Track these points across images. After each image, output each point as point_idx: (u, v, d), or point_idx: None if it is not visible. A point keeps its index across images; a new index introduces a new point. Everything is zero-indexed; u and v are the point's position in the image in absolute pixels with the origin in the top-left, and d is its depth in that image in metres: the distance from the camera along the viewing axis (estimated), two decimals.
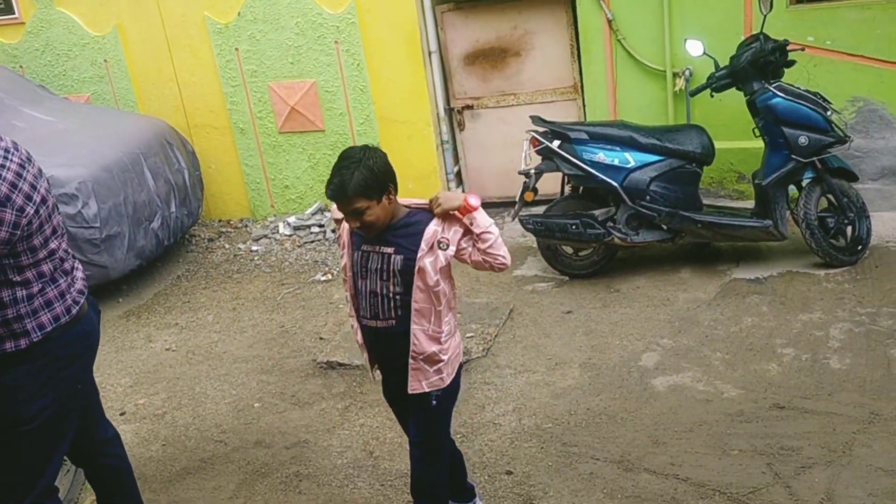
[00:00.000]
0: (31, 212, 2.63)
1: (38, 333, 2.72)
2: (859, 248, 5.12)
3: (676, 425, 3.85)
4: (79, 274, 2.96)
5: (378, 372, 3.14)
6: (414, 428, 3.05)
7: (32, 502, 2.86)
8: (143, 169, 6.22)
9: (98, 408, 3.26)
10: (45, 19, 7.28)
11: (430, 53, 6.65)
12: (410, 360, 2.88)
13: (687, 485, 3.44)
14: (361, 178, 2.68)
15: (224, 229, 7.30)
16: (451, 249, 2.81)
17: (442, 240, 2.80)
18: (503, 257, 2.82)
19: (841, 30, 5.63)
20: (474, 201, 2.79)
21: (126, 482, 3.30)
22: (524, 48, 6.63)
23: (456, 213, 2.79)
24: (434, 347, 2.88)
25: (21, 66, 7.45)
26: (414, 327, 2.84)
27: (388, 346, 2.95)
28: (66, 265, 2.86)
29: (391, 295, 2.84)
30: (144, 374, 5.06)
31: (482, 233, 2.79)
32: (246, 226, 7.29)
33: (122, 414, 4.63)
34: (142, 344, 5.47)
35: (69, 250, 2.93)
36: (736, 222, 5.17)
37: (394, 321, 2.87)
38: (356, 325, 3.07)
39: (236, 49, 6.90)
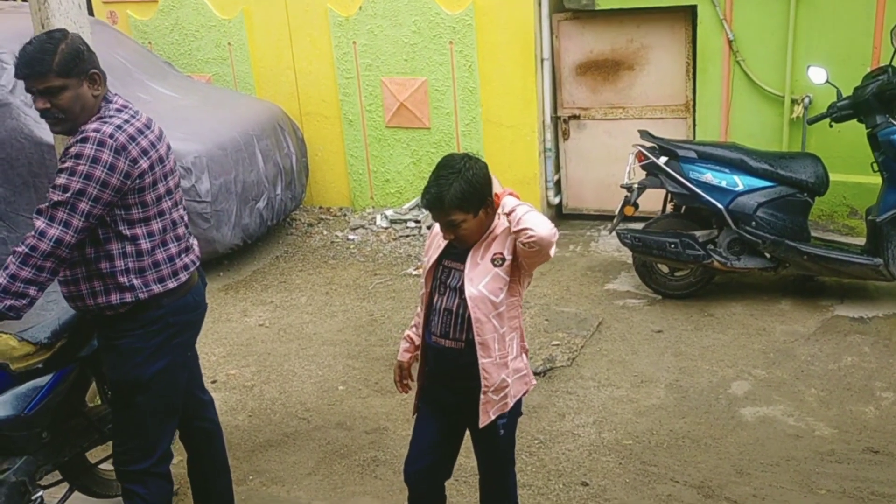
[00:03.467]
0: (145, 166, 2.76)
1: (144, 291, 2.83)
2: None
3: (762, 457, 3.75)
4: (194, 246, 3.09)
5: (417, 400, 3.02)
6: (483, 460, 2.97)
7: (155, 465, 3.00)
8: (254, 150, 6.44)
9: (199, 373, 3.41)
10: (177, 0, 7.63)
11: (542, 60, 6.67)
12: (482, 396, 2.75)
13: None
14: (459, 189, 2.59)
15: (324, 216, 7.49)
16: (509, 258, 2.67)
17: (496, 256, 2.68)
18: (531, 229, 2.53)
19: None
20: (506, 195, 2.65)
21: (217, 445, 3.43)
22: (638, 62, 6.56)
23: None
24: (503, 374, 2.76)
25: (150, 43, 7.82)
26: (483, 361, 2.71)
27: (451, 368, 2.82)
28: (180, 231, 2.98)
29: (467, 315, 2.71)
30: (237, 346, 5.25)
31: (509, 212, 2.60)
32: (345, 214, 7.46)
33: (213, 382, 4.81)
34: (237, 317, 5.67)
35: (186, 222, 3.05)
36: (844, 257, 4.99)
37: (463, 344, 2.75)
38: (412, 342, 2.99)
39: (354, 42, 7.07)
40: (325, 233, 7.16)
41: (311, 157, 7.40)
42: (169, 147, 2.94)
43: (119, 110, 2.81)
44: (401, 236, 6.86)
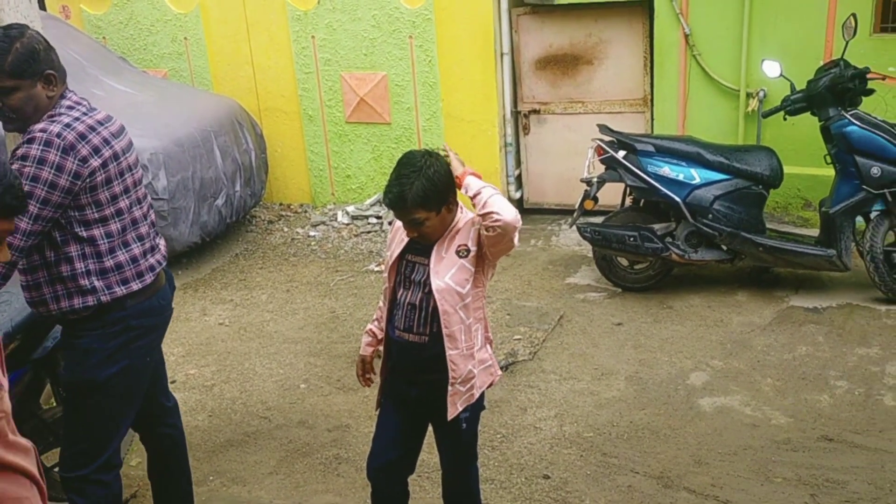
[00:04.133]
0: (96, 164, 2.68)
1: (107, 294, 2.76)
2: None
3: (720, 447, 3.81)
4: (160, 246, 3.01)
5: (378, 383, 3.01)
6: (446, 455, 2.97)
7: (95, 473, 2.90)
8: (212, 146, 6.37)
9: (164, 377, 3.34)
10: None
11: (502, 55, 6.68)
12: (450, 388, 2.74)
13: None
14: (421, 188, 2.57)
15: (284, 213, 7.43)
16: (474, 249, 2.67)
17: (460, 248, 2.67)
18: (497, 213, 2.52)
19: None
20: (468, 174, 2.65)
21: (180, 451, 3.37)
22: (597, 57, 6.61)
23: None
24: (469, 365, 2.76)
25: (104, 38, 7.68)
26: (451, 353, 2.71)
27: (415, 362, 2.81)
28: (143, 230, 2.89)
29: (431, 309, 2.71)
30: (197, 345, 5.19)
31: (474, 195, 2.59)
32: (305, 211, 7.40)
33: (172, 382, 4.73)
34: (196, 316, 5.60)
35: (152, 221, 2.97)
36: (799, 249, 5.08)
37: (426, 337, 2.74)
38: (375, 336, 2.99)
39: (313, 37, 7.02)
40: (285, 230, 7.10)
41: (271, 153, 7.33)
42: (130, 143, 2.87)
43: (70, 107, 2.73)
44: (362, 232, 6.83)
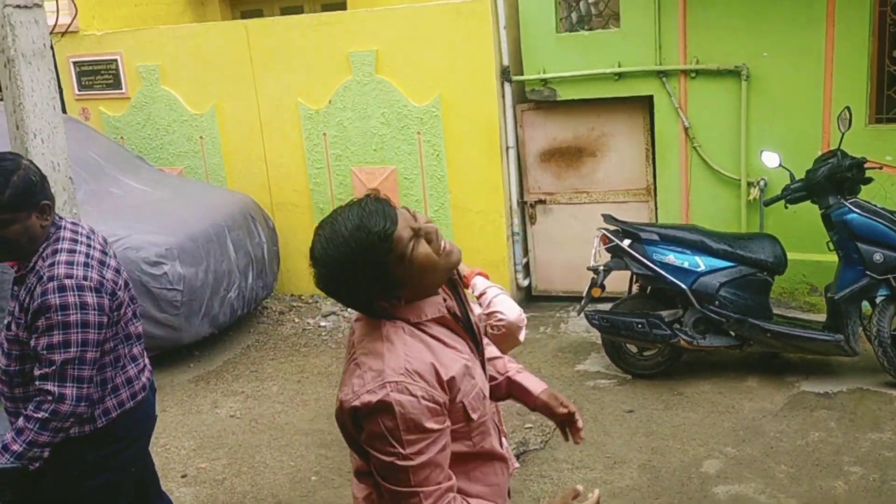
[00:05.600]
0: (121, 295, 2.73)
1: (103, 420, 2.74)
2: None
3: None
4: (147, 361, 2.98)
5: None
6: None
7: None
8: (226, 240, 6.51)
9: (155, 482, 3.30)
10: (150, 95, 7.80)
11: (507, 148, 6.88)
12: None
13: None
14: None
15: (295, 303, 7.52)
16: None
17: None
18: (500, 313, 2.59)
19: None
20: (475, 274, 2.72)
21: None
22: (600, 149, 6.80)
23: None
24: None
25: (122, 137, 7.95)
26: None
27: None
28: (136, 350, 2.88)
29: None
30: (208, 438, 5.19)
31: (480, 294, 2.66)
32: (316, 301, 7.49)
33: (183, 476, 4.74)
34: (208, 409, 5.62)
35: (141, 335, 2.94)
36: (806, 334, 5.11)
37: None
38: None
39: (324, 134, 7.25)
40: (296, 320, 7.17)
41: (283, 245, 7.47)
42: (115, 256, 2.86)
43: (74, 240, 2.69)
44: None
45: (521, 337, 2.66)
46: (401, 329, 1.86)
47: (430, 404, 1.80)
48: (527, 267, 7.22)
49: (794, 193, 5.24)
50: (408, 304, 1.89)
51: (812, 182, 5.14)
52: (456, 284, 2.03)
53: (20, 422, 2.55)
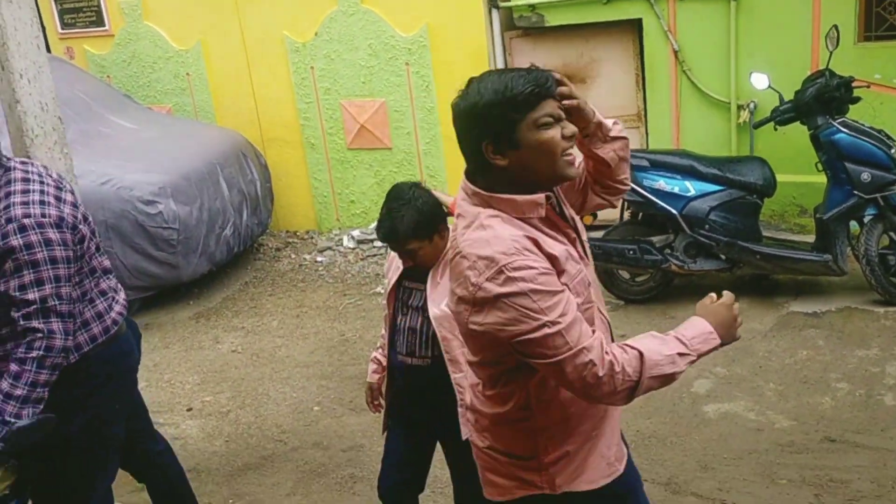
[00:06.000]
0: (85, 231, 2.70)
1: (76, 355, 2.69)
2: None
3: (726, 452, 3.91)
4: (120, 296, 2.93)
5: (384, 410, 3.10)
6: (457, 470, 3.04)
7: None
8: (218, 178, 6.52)
9: (147, 426, 3.31)
10: (133, 32, 7.68)
11: None
12: (459, 409, 2.82)
13: None
14: (412, 219, 2.69)
15: (291, 240, 7.57)
16: None
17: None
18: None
19: None
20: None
21: (179, 490, 3.38)
22: (589, 75, 6.76)
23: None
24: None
25: (108, 76, 7.86)
26: (455, 376, 2.78)
27: (420, 385, 2.91)
28: (104, 285, 2.84)
29: (431, 332, 2.81)
30: (211, 373, 5.31)
31: None
32: (312, 237, 7.54)
33: (188, 410, 4.87)
34: (210, 345, 5.73)
35: (109, 269, 2.92)
36: (795, 255, 5.19)
37: (429, 360, 2.84)
38: (380, 363, 3.08)
39: (312, 67, 7.18)
40: (293, 256, 7.23)
41: (276, 182, 7.48)
42: (72, 191, 2.81)
43: (26, 179, 2.62)
44: (368, 256, 6.96)
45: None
46: (498, 217, 1.90)
47: (546, 270, 1.84)
48: None
49: (783, 115, 5.24)
50: (507, 197, 1.91)
51: (801, 103, 5.14)
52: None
53: (13, 367, 2.50)
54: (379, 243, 7.06)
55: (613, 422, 2.15)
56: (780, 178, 5.39)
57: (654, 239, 5.40)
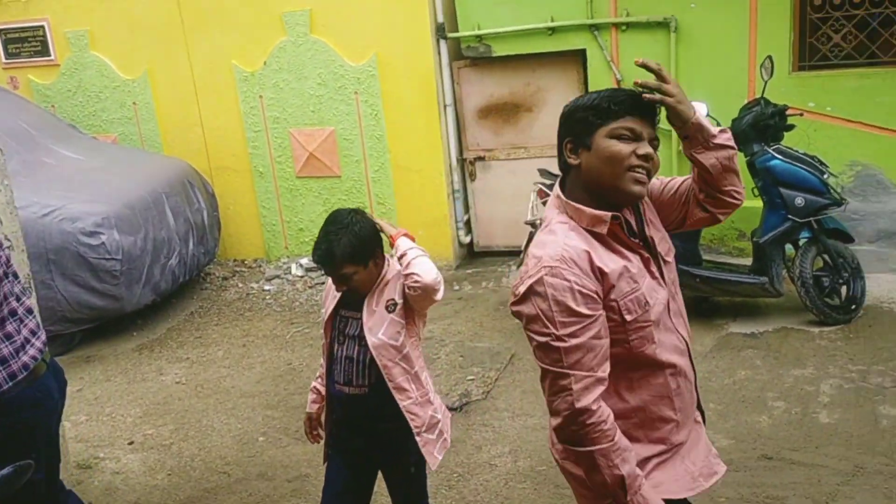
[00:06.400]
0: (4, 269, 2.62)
1: None
2: (853, 307, 5.24)
3: None
4: (39, 337, 2.84)
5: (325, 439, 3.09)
6: (398, 498, 3.06)
7: None
8: (164, 207, 6.46)
9: (56, 476, 3.12)
10: (79, 62, 7.63)
11: (445, 106, 6.92)
12: (417, 438, 2.83)
13: None
14: (349, 243, 2.69)
15: (238, 268, 7.51)
16: (400, 302, 2.78)
17: (389, 303, 2.76)
18: (416, 275, 2.68)
19: (841, 97, 5.83)
20: (400, 235, 2.80)
21: None
22: (536, 104, 6.88)
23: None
24: (429, 411, 2.87)
25: (53, 106, 7.78)
26: (404, 404, 2.80)
27: (359, 414, 2.90)
28: (9, 328, 2.73)
29: (367, 361, 2.81)
30: (154, 405, 5.22)
31: (401, 255, 2.75)
32: (260, 266, 7.50)
33: (130, 443, 4.78)
34: (153, 376, 5.64)
35: (31, 309, 2.84)
36: (733, 278, 5.31)
37: (366, 389, 2.84)
38: (319, 392, 3.08)
39: (260, 96, 7.20)
40: (240, 285, 7.18)
41: (223, 210, 7.44)
42: None
43: None
44: (317, 283, 6.94)
45: (438, 297, 2.77)
46: (566, 225, 2.01)
47: (582, 290, 1.92)
48: (468, 223, 7.31)
49: None
50: (578, 206, 2.01)
51: (737, 130, 5.29)
52: (639, 205, 2.12)
53: None
54: None
55: (699, 441, 2.22)
56: None
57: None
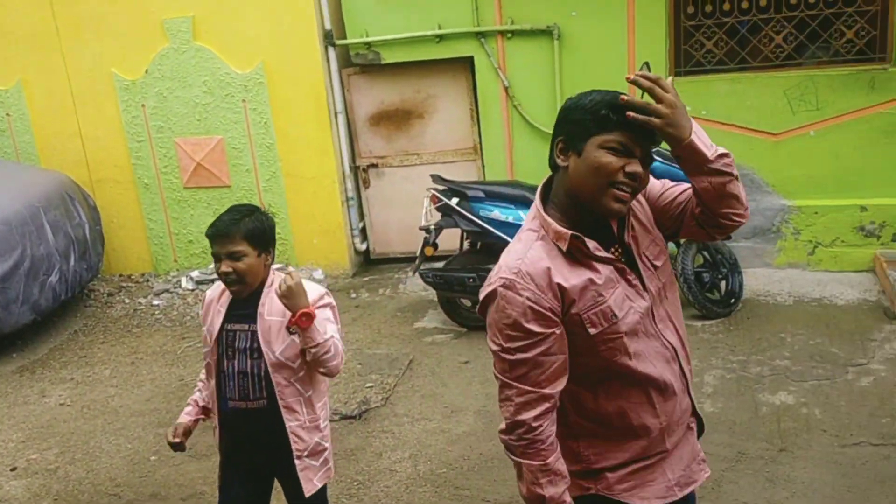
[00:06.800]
0: None
1: None
2: (732, 300, 5.52)
3: None
4: None
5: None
6: None
7: None
8: (42, 222, 6.17)
9: None
10: None
11: (336, 114, 6.88)
12: (297, 462, 2.78)
13: None
14: (250, 223, 2.68)
15: (125, 284, 7.25)
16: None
17: (291, 324, 2.65)
18: (322, 370, 2.71)
19: (714, 101, 6.13)
20: (310, 318, 2.60)
21: None
22: (427, 111, 6.93)
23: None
24: (316, 437, 2.82)
25: None
26: (290, 424, 2.76)
27: (257, 428, 2.81)
28: None
29: (262, 373, 2.74)
30: (37, 429, 4.97)
31: (311, 346, 2.64)
32: (147, 280, 7.25)
33: (12, 469, 4.53)
34: (35, 399, 5.37)
35: None
36: None
37: (265, 402, 2.76)
38: (198, 404, 2.97)
39: (143, 105, 6.97)
40: (127, 301, 6.92)
41: (107, 224, 7.16)
42: None
43: None
44: None
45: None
46: (535, 234, 1.96)
47: (535, 306, 1.88)
48: (363, 231, 7.29)
49: None
50: (547, 218, 1.96)
51: None
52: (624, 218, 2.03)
53: None
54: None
55: (684, 449, 2.15)
56: None
57: (492, 267, 5.55)
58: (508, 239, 5.44)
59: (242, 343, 2.77)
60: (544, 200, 2.04)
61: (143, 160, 7.11)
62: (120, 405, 5.18)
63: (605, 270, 1.96)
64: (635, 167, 1.90)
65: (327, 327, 2.70)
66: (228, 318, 2.80)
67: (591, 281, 1.93)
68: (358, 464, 4.25)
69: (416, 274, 5.77)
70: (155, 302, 6.79)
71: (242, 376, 2.77)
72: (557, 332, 1.92)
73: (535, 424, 1.93)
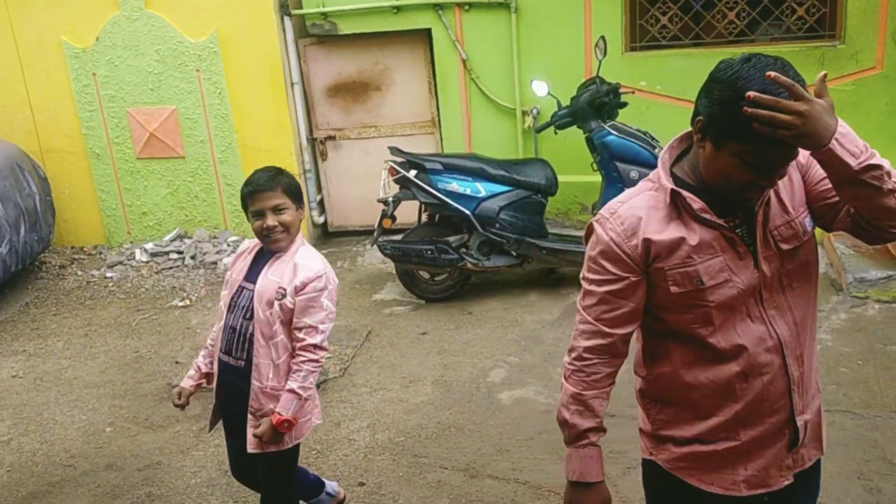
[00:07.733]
0: None
1: None
2: None
3: (519, 434, 4.13)
4: None
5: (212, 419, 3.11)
6: (263, 483, 3.03)
7: None
8: None
9: None
10: None
11: (292, 85, 6.82)
12: (249, 416, 2.84)
13: (526, 487, 3.72)
14: (286, 178, 2.81)
15: (77, 256, 7.13)
16: (289, 299, 2.78)
17: (279, 290, 2.76)
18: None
19: (669, 76, 6.21)
20: (290, 425, 2.80)
21: None
22: (385, 83, 6.90)
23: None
24: (271, 405, 2.83)
25: None
26: (253, 384, 2.81)
27: (233, 385, 2.91)
28: None
29: (248, 335, 2.82)
30: None
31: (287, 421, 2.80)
32: (100, 252, 7.14)
33: None
34: None
35: None
36: (576, 249, 5.58)
37: (243, 362, 2.85)
38: (200, 370, 3.04)
39: (94, 74, 6.82)
40: (79, 273, 6.82)
41: (57, 195, 7.03)
42: None
43: None
44: (163, 269, 6.69)
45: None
46: (651, 184, 1.97)
47: (615, 248, 1.93)
48: (321, 204, 7.26)
49: (561, 119, 5.62)
50: (685, 164, 1.95)
51: (576, 108, 5.54)
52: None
53: None
54: (175, 255, 6.81)
55: (767, 451, 2.02)
56: (561, 178, 5.77)
57: (451, 239, 5.61)
58: (466, 211, 5.52)
59: (244, 300, 2.85)
60: (679, 153, 2.00)
61: (94, 130, 6.97)
62: (74, 377, 5.12)
63: (708, 235, 1.89)
64: (769, 180, 1.82)
65: (302, 373, 2.81)
66: (248, 275, 2.88)
67: (683, 240, 1.89)
68: (316, 433, 4.27)
69: (375, 246, 5.78)
70: (108, 274, 6.70)
71: (232, 332, 2.87)
72: (633, 279, 1.94)
73: (585, 355, 2.00)
